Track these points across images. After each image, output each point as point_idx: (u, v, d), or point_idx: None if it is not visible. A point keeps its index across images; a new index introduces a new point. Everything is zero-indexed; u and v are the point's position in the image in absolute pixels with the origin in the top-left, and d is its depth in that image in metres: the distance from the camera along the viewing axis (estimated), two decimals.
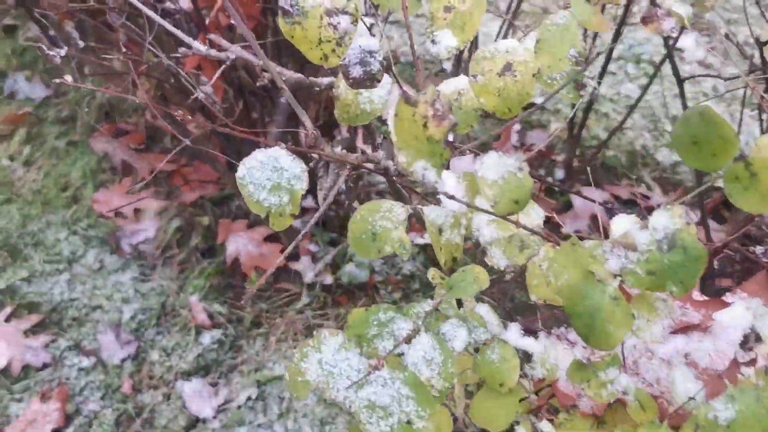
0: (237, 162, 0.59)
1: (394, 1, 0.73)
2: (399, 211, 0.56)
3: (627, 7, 1.62)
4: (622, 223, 0.59)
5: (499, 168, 0.47)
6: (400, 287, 1.64)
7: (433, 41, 0.63)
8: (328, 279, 1.68)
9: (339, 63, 0.55)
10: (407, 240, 0.55)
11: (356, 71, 0.59)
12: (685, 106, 1.54)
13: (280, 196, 0.57)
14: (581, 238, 0.57)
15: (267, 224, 1.78)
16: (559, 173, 1.90)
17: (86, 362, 1.53)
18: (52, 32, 1.75)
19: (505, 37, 1.97)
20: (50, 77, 2.05)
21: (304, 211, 1.79)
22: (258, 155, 0.57)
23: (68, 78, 1.03)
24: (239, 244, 1.72)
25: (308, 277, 1.69)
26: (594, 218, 1.80)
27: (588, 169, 1.90)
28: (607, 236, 0.59)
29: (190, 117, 1.14)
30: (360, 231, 0.57)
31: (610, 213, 1.83)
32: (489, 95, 0.56)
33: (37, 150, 1.93)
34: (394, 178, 0.64)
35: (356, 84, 0.59)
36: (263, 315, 1.62)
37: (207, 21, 1.07)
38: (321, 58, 0.54)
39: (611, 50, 1.73)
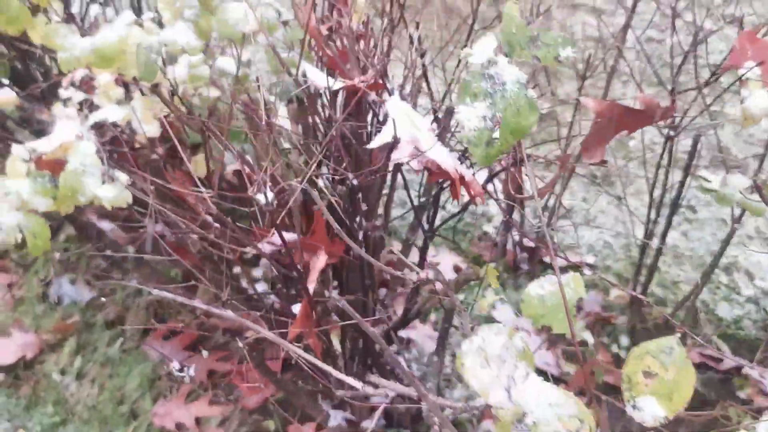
0: None
1: None
2: None
3: (688, 166, 1.64)
4: None
5: None
6: None
7: (634, 406, 0.60)
8: None
9: None
10: None
11: None
12: None
13: None
14: None
15: (337, 426, 1.70)
16: (624, 339, 1.87)
17: None
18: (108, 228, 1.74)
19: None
20: (95, 280, 2.03)
21: (372, 408, 1.73)
22: None
23: None
24: None
25: None
26: None
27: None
28: None
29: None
30: None
31: None
32: None
33: (88, 360, 1.88)
34: None
35: None
36: None
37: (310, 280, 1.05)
38: None
39: (673, 210, 1.72)
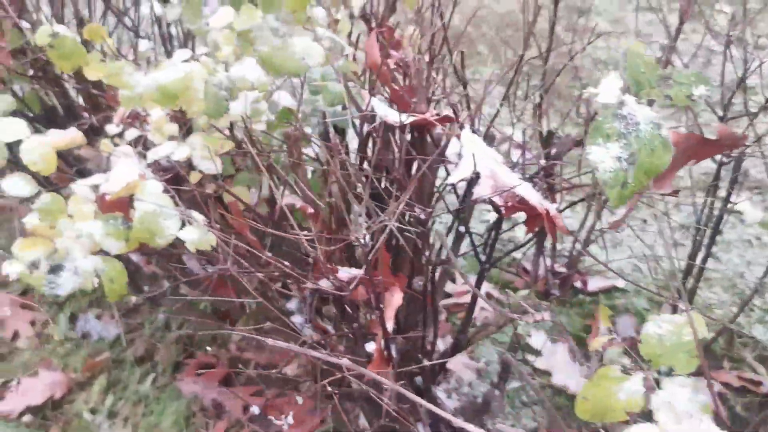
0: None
1: None
2: None
3: (731, 190, 1.64)
4: None
5: None
6: None
7: None
8: None
9: None
10: None
11: None
12: None
13: None
14: None
15: None
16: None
17: None
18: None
19: None
20: (121, 315, 1.99)
21: None
22: None
23: None
24: None
25: None
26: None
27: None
28: None
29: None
30: None
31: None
32: None
33: (119, 398, 1.83)
34: None
35: None
36: None
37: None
38: None
39: (715, 233, 1.72)
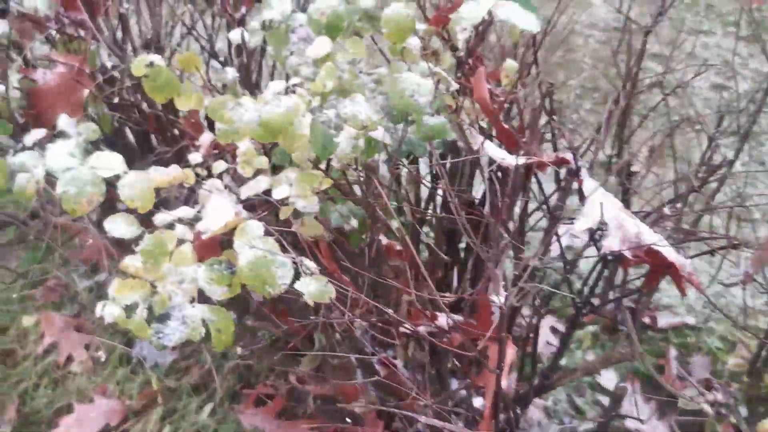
0: None
1: None
2: None
3: None
4: None
5: None
6: None
7: None
8: None
9: None
10: None
11: None
12: None
13: None
14: None
15: None
16: (741, 409, 1.78)
17: None
18: None
19: None
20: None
21: None
22: None
23: None
24: None
25: None
26: None
27: None
28: None
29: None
30: None
31: None
32: None
33: (177, 428, 1.78)
34: None
35: None
36: None
37: None
38: None
39: None
